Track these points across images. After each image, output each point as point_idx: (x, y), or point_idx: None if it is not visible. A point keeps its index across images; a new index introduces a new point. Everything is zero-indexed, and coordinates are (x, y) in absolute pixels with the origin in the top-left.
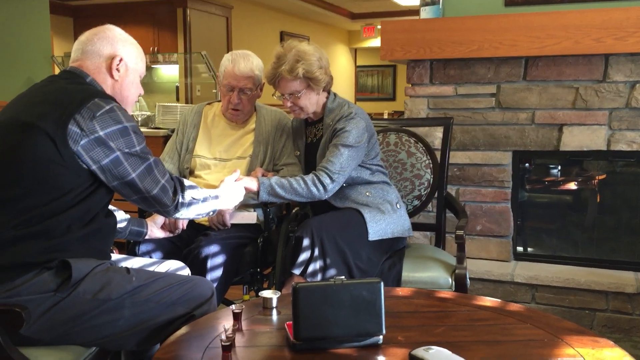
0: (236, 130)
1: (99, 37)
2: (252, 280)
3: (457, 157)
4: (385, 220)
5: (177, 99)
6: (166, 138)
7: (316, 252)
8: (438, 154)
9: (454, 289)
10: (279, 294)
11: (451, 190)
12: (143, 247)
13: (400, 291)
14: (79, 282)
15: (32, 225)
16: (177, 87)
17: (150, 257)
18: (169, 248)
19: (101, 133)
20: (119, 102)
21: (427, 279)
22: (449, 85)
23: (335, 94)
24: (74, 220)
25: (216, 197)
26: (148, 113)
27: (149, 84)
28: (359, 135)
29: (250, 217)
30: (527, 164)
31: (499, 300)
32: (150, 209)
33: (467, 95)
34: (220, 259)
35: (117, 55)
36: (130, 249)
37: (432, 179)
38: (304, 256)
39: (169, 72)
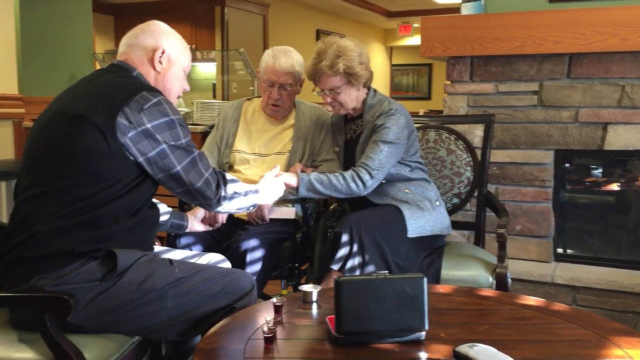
0: (275, 126)
1: (143, 30)
2: (290, 275)
3: (497, 155)
4: (425, 218)
5: (214, 97)
6: (204, 134)
7: (355, 248)
8: (478, 152)
9: (494, 288)
10: (319, 288)
11: (490, 189)
12: (183, 240)
13: (441, 288)
14: (124, 272)
15: (80, 215)
16: (214, 85)
17: (191, 250)
18: (209, 241)
19: (148, 125)
20: (164, 95)
21: (467, 277)
22: (489, 83)
23: (375, 90)
24: (121, 211)
25: (256, 191)
26: (186, 110)
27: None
28: (399, 132)
29: (289, 212)
30: (569, 164)
31: (543, 299)
32: (193, 202)
33: (508, 93)
34: (259, 253)
35: (160, 47)
36: (170, 242)
37: (472, 177)
38: (342, 252)
39: (206, 70)
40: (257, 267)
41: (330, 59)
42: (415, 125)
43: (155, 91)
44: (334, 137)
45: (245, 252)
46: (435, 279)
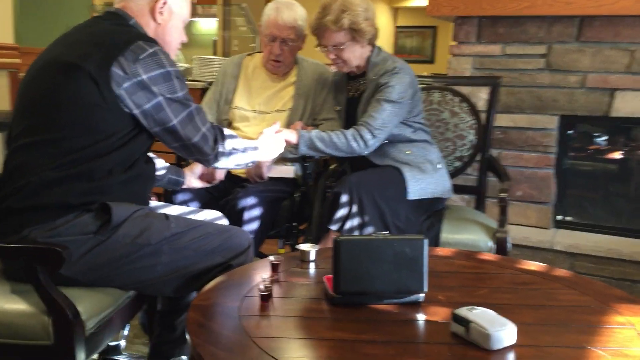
0: (276, 83)
1: None
2: (288, 235)
3: (500, 119)
4: (426, 180)
5: (215, 53)
6: (203, 91)
7: (354, 209)
8: (482, 116)
9: (494, 253)
10: (317, 247)
11: (493, 153)
12: (180, 197)
13: (441, 251)
14: (118, 225)
15: (74, 167)
16: (215, 41)
17: (187, 206)
18: (206, 198)
19: (144, 76)
20: (161, 45)
21: (466, 240)
22: (496, 45)
23: (380, 48)
24: (116, 164)
25: (255, 148)
26: (185, 65)
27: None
28: (402, 91)
29: (288, 171)
30: (573, 130)
31: (544, 264)
32: (190, 157)
33: (515, 56)
34: (256, 212)
35: None
36: (167, 198)
37: (475, 141)
38: (341, 212)
39: (207, 26)
40: (255, 225)
41: (335, 14)
42: (420, 85)
43: (151, 41)
44: (335, 96)
45: (243, 210)
46: (435, 242)
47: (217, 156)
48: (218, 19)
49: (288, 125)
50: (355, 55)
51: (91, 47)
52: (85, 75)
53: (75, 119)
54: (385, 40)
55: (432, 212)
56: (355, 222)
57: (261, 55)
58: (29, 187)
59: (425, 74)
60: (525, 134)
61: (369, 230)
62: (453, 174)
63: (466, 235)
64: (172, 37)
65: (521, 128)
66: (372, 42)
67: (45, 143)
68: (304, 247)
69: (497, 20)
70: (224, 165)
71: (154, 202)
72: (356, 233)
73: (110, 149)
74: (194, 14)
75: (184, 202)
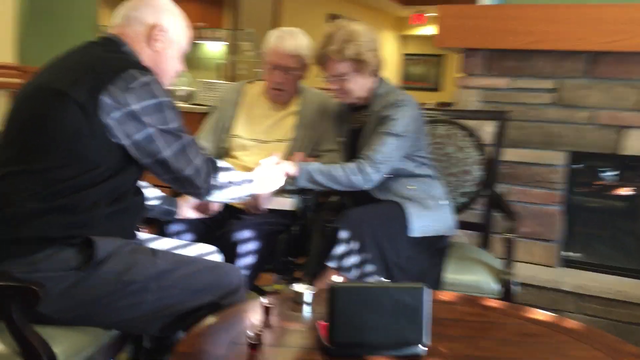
0: (278, 112)
1: (145, 3)
2: (285, 269)
3: (506, 154)
4: (429, 217)
5: (221, 77)
6: (206, 115)
7: (353, 245)
8: (489, 150)
9: (499, 295)
10: (313, 289)
11: (499, 188)
12: (174, 227)
13: (442, 295)
14: (102, 261)
15: (57, 198)
16: (221, 65)
17: (180, 238)
18: (201, 229)
19: (134, 107)
20: (155, 74)
21: (470, 282)
22: (504, 78)
23: (384, 79)
24: (102, 196)
25: (252, 180)
26: (190, 89)
27: (192, 60)
28: (406, 125)
29: (287, 203)
30: (581, 166)
31: (553, 314)
32: (182, 190)
33: (523, 90)
34: (252, 245)
35: (159, 24)
36: (160, 228)
37: (481, 176)
38: (340, 249)
39: (213, 49)
40: (250, 259)
41: (339, 43)
42: (425, 118)
43: (145, 70)
44: (338, 126)
45: (238, 243)
46: (437, 282)
47: (209, 189)
48: (225, 43)
49: (288, 155)
50: (359, 86)
51: (81, 74)
52: (73, 103)
53: (61, 148)
54: (391, 68)
55: (435, 250)
56: (354, 259)
57: (262, 83)
58: (7, 218)
59: (430, 105)
60: (532, 169)
61: (369, 268)
62: (457, 210)
63: (470, 276)
64: (168, 66)
65: (528, 163)
66: (376, 73)
67: (28, 173)
68: (298, 288)
69: (505, 54)
70: (217, 198)
71: (143, 235)
72: (355, 271)
73: (97, 181)
74: (201, 37)
75: (178, 233)
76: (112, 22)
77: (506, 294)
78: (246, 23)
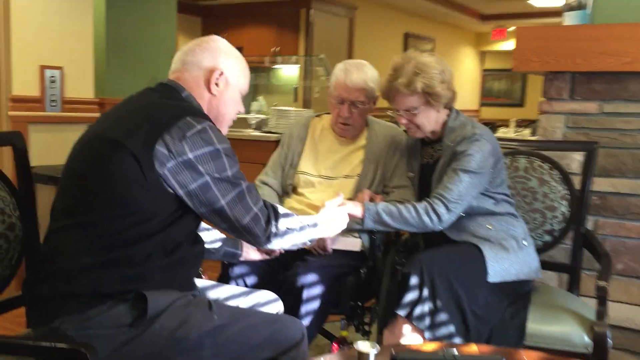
0: (345, 146)
1: (202, 47)
2: (352, 314)
3: (598, 184)
4: (509, 259)
5: (295, 100)
6: (277, 142)
7: (425, 292)
8: (576, 180)
9: (590, 350)
10: (377, 347)
11: (589, 221)
12: (237, 270)
13: (526, 355)
14: (155, 317)
15: (110, 251)
16: (295, 89)
17: (244, 281)
18: (265, 271)
19: (190, 155)
20: (215, 118)
21: (557, 334)
22: (592, 102)
23: (458, 112)
24: (157, 248)
25: (315, 225)
26: (262, 116)
27: (267, 86)
28: (482, 160)
29: (355, 243)
30: None
31: None
32: (240, 238)
33: (614, 114)
34: (317, 290)
35: (218, 68)
36: (224, 270)
37: (568, 213)
38: (410, 296)
39: (289, 73)
40: (315, 305)
41: (408, 76)
42: (503, 150)
43: (201, 116)
44: (408, 161)
45: (302, 288)
46: (520, 333)
47: (269, 237)
48: (299, 66)
49: (356, 192)
50: (430, 120)
51: (136, 123)
52: (128, 154)
53: (114, 199)
54: (471, 84)
55: (517, 295)
56: (426, 307)
57: (329, 116)
58: (62, 273)
59: (512, 123)
60: (626, 200)
61: (442, 317)
62: (541, 250)
63: (557, 326)
64: (228, 109)
65: (622, 194)
66: (449, 106)
67: (82, 226)
68: (362, 347)
69: (592, 76)
70: (278, 246)
71: (203, 281)
72: (427, 320)
73: (152, 232)
74: (275, 62)
75: (241, 276)
76: (171, 68)
77: (599, 349)
78: (321, 46)
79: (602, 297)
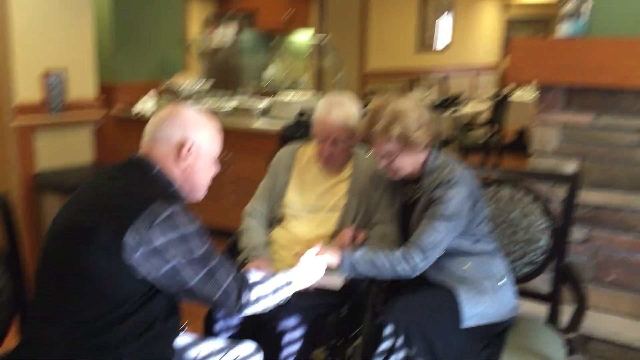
0: (329, 178)
1: (170, 122)
2: (334, 351)
3: (591, 196)
4: (484, 303)
5: (306, 71)
6: (280, 137)
7: (399, 341)
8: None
9: None
10: None
11: (581, 233)
12: (221, 323)
13: None
14: None
15: (85, 341)
16: (307, 59)
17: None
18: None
19: (157, 243)
20: (190, 188)
21: None
22: (586, 115)
23: (438, 151)
24: (130, 330)
25: (289, 283)
26: (266, 105)
27: (281, 52)
28: (458, 206)
29: (336, 283)
30: None
31: None
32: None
33: (608, 128)
34: (298, 333)
35: (188, 139)
36: (207, 320)
37: (549, 245)
38: (385, 345)
39: (302, 40)
40: (295, 347)
41: (384, 123)
42: (488, 180)
43: (169, 198)
44: (392, 196)
45: (283, 333)
46: None
47: (241, 309)
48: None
49: (341, 225)
50: (408, 163)
51: (104, 213)
52: (98, 247)
53: (85, 291)
54: (493, 35)
55: (492, 336)
56: (400, 356)
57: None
58: None
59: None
60: (618, 214)
61: None
62: (522, 280)
63: None
64: (201, 176)
65: (614, 208)
66: (428, 147)
67: (56, 317)
68: None
69: (588, 90)
70: (252, 312)
71: (185, 338)
72: None
73: (124, 316)
74: (288, 30)
75: (224, 328)
76: (143, 140)
77: None
78: (335, 8)
79: (572, 347)
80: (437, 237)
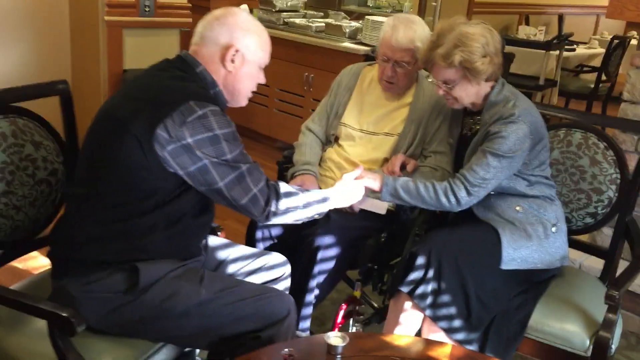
0: (390, 102)
1: (220, 22)
2: (367, 276)
3: None
4: (530, 247)
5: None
6: (367, 57)
7: (430, 273)
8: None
9: (589, 354)
10: (347, 339)
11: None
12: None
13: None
14: (148, 287)
15: (113, 223)
16: None
17: (269, 231)
18: (287, 226)
19: (189, 140)
20: (231, 93)
21: (558, 332)
22: None
23: (504, 84)
24: (158, 221)
25: (324, 199)
26: (357, 24)
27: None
28: (515, 144)
29: (381, 206)
30: None
31: None
32: (240, 213)
33: None
34: (333, 252)
35: (234, 45)
36: (250, 227)
37: (615, 198)
38: (415, 275)
39: None
40: (329, 265)
41: (447, 48)
42: (561, 122)
43: (205, 100)
44: (450, 127)
45: (318, 248)
46: (522, 326)
47: (268, 216)
48: None
49: (395, 151)
50: (468, 94)
51: (141, 105)
52: (131, 137)
53: (117, 177)
54: None
55: (532, 283)
56: (429, 287)
57: None
58: (70, 240)
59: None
60: None
61: (444, 299)
62: (580, 231)
63: (561, 324)
64: (243, 85)
65: None
66: (493, 78)
67: (89, 197)
68: (332, 339)
69: None
70: (279, 222)
71: (217, 240)
72: (429, 299)
73: (153, 207)
74: None
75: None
76: (192, 40)
77: (597, 357)
78: None
79: (611, 307)
80: (487, 173)
